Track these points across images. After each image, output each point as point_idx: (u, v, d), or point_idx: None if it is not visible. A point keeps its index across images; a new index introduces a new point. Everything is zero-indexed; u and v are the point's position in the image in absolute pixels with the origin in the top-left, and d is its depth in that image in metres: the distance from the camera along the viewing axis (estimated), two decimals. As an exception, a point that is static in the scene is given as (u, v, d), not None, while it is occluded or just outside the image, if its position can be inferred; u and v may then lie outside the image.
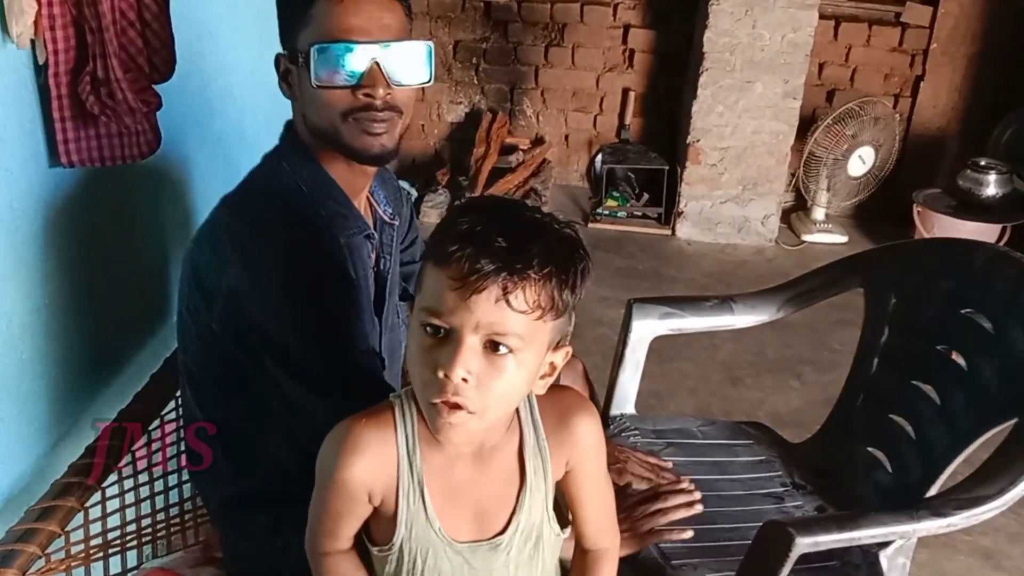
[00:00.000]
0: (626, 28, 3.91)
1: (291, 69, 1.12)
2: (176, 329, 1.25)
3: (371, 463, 0.87)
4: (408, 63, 1.09)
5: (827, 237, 3.71)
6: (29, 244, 1.30)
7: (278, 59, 1.16)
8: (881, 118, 3.56)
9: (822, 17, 3.49)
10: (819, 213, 3.77)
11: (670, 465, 1.35)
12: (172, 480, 1.44)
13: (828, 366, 2.71)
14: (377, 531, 0.92)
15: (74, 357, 1.42)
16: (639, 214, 3.85)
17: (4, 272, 1.24)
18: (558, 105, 4.08)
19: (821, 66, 3.81)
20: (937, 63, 3.73)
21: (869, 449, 1.50)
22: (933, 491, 1.35)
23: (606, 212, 3.82)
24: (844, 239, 3.71)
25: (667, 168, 3.77)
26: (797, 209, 3.92)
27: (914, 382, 1.47)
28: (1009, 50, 3.65)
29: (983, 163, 3.31)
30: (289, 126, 1.20)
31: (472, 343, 0.79)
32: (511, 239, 0.78)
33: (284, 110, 1.24)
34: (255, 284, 1.07)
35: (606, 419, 1.59)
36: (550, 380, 0.88)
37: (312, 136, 1.14)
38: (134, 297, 1.63)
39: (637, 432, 1.57)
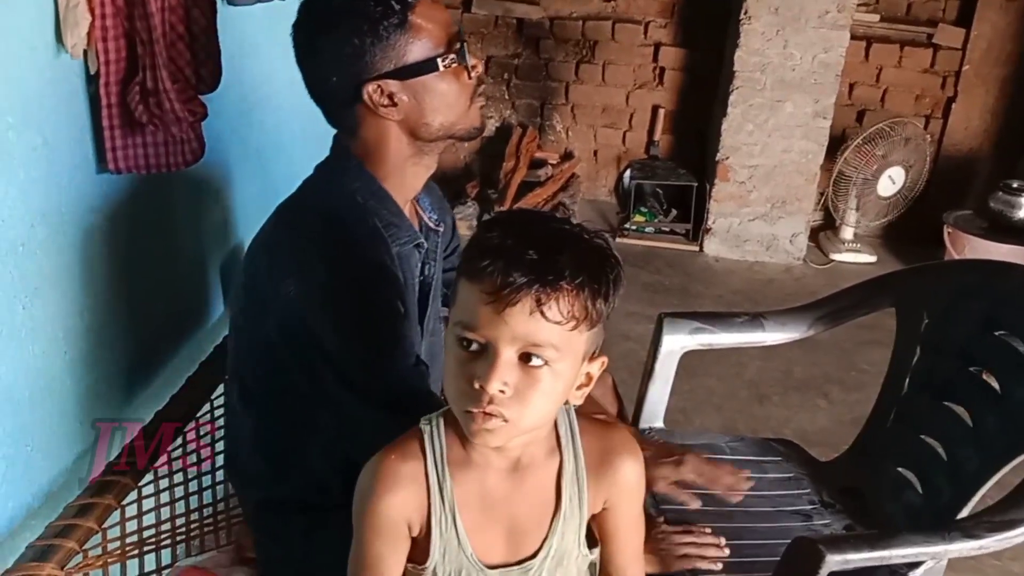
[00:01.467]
0: (657, 46, 3.93)
1: (399, 88, 1.14)
2: (229, 335, 1.27)
3: (404, 496, 0.88)
4: None
5: (855, 257, 3.70)
6: (76, 248, 1.33)
7: (367, 89, 1.14)
8: (912, 139, 3.54)
9: (853, 38, 3.49)
10: (848, 232, 3.75)
11: (730, 464, 1.33)
12: (207, 480, 1.46)
13: (855, 386, 2.70)
14: (412, 550, 0.92)
15: (114, 359, 1.45)
16: (667, 230, 3.85)
17: (52, 275, 1.28)
18: (588, 121, 4.10)
19: (852, 86, 3.81)
20: (969, 84, 3.72)
21: (900, 470, 1.49)
22: (964, 514, 1.34)
23: (634, 227, 3.83)
24: (873, 259, 3.69)
25: (695, 185, 3.77)
26: (826, 228, 3.91)
27: (946, 403, 1.47)
28: (1043, 72, 3.63)
29: (1015, 185, 3.28)
30: (339, 141, 1.22)
31: (508, 356, 0.80)
32: (542, 251, 0.79)
33: (321, 122, 1.26)
34: (311, 294, 1.09)
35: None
36: (587, 390, 0.89)
37: (426, 140, 1.19)
38: (173, 301, 1.67)
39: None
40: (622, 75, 3.99)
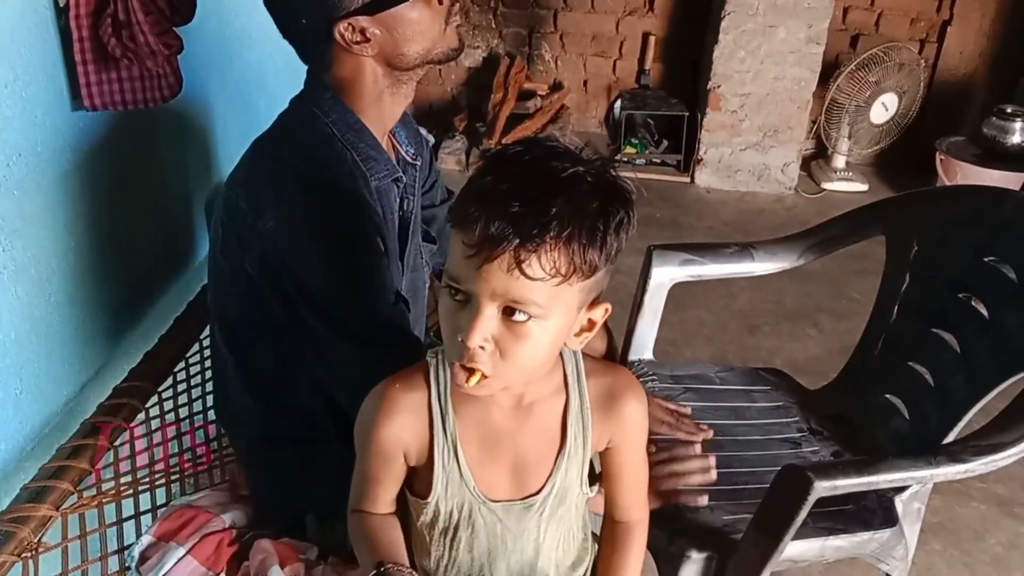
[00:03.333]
0: (647, -29, 3.83)
1: (373, 22, 1.11)
2: (208, 272, 1.26)
3: (405, 424, 0.88)
4: None
5: (847, 185, 3.68)
6: (56, 187, 1.31)
7: (339, 28, 1.11)
8: (906, 64, 3.49)
9: (849, -41, 3.40)
10: (840, 161, 3.73)
11: (689, 411, 1.37)
12: (198, 420, 1.47)
13: (846, 315, 2.71)
14: (416, 482, 0.93)
15: (101, 299, 1.44)
16: (658, 161, 3.82)
17: (33, 215, 1.26)
18: (577, 50, 4.02)
19: (846, 10, 3.73)
20: (965, 7, 3.64)
21: (887, 397, 1.50)
22: (950, 439, 1.35)
23: (624, 159, 3.79)
24: (864, 187, 3.67)
25: (687, 115, 3.72)
26: (817, 157, 3.88)
27: (934, 330, 1.47)
28: (1041, -7, 3.55)
29: (1009, 110, 3.25)
30: (314, 74, 1.19)
31: (489, 311, 0.77)
32: (529, 201, 0.74)
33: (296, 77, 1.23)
34: (290, 229, 1.08)
35: (624, 365, 1.60)
36: (589, 336, 0.86)
37: (403, 69, 1.16)
38: (158, 240, 1.65)
39: (655, 377, 1.58)
40: (612, 1, 3.89)
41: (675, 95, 3.90)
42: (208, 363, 1.51)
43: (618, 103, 3.99)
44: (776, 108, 3.56)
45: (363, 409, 0.90)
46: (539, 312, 0.77)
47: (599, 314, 0.85)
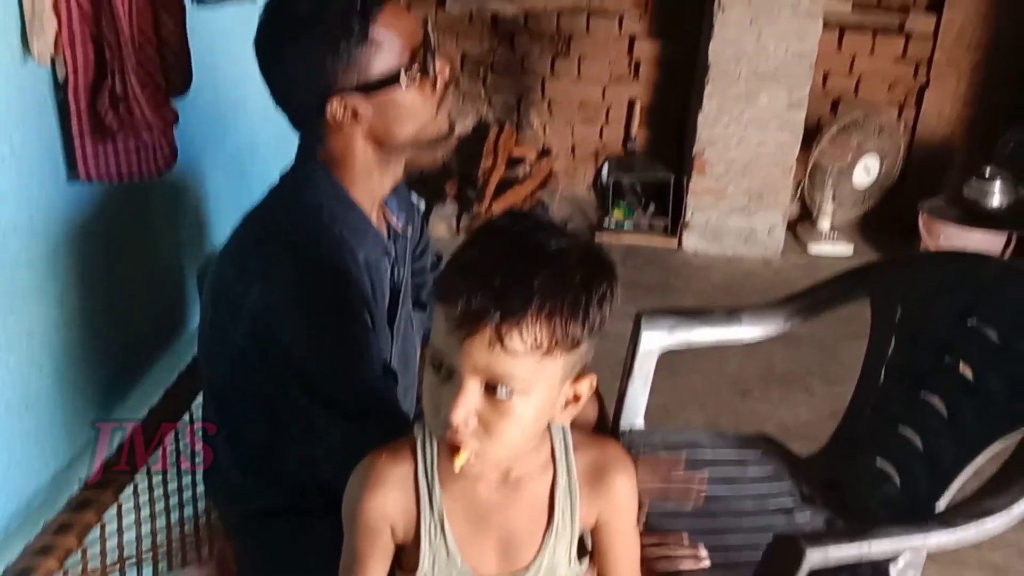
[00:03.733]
0: (632, 39, 3.94)
1: (365, 101, 1.13)
2: (199, 343, 1.26)
3: (391, 498, 0.87)
4: None
5: (833, 248, 3.72)
6: (49, 260, 1.31)
7: (332, 104, 1.12)
8: (886, 128, 3.57)
9: (826, 27, 3.51)
10: (825, 224, 3.78)
11: (683, 457, 1.34)
12: (187, 495, 1.45)
13: (836, 378, 2.72)
14: (404, 557, 0.91)
15: (92, 372, 1.44)
16: (646, 225, 3.86)
17: (25, 288, 1.26)
18: (564, 116, 4.10)
19: (825, 76, 3.83)
20: (941, 72, 3.75)
21: (878, 462, 1.50)
22: (942, 504, 1.35)
23: (613, 224, 3.84)
24: (850, 249, 3.72)
25: (673, 179, 3.79)
26: (803, 220, 3.93)
27: (922, 394, 1.48)
28: (1014, 60, 3.67)
29: (988, 172, 3.32)
30: (305, 146, 1.21)
31: (472, 386, 0.76)
32: (511, 275, 0.74)
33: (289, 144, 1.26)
34: (279, 303, 1.08)
35: (615, 433, 1.60)
36: (575, 409, 0.85)
37: (392, 149, 1.18)
38: (150, 311, 1.65)
39: (647, 445, 1.57)
40: (597, 69, 3.99)
41: (661, 160, 3.97)
42: (199, 435, 1.50)
43: (605, 168, 4.06)
44: (760, 172, 3.63)
45: (350, 483, 0.89)
46: (521, 387, 0.77)
47: (584, 387, 0.84)
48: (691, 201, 3.69)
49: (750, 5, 3.39)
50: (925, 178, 3.79)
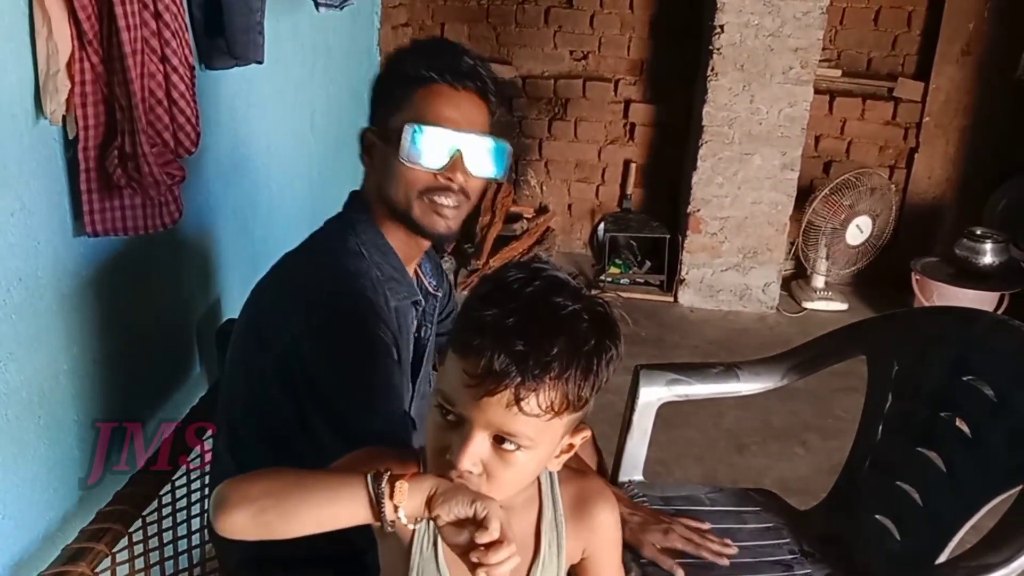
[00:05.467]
0: (627, 103, 4.03)
1: (377, 144, 1.21)
2: (222, 376, 1.28)
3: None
4: (487, 156, 1.19)
5: (827, 304, 3.75)
6: (53, 311, 1.33)
7: (364, 134, 1.24)
8: (877, 188, 3.63)
9: (817, 92, 3.60)
10: (819, 281, 3.82)
11: (708, 526, 1.40)
12: (183, 545, 1.44)
13: (833, 433, 2.72)
14: (392, 566, 0.91)
15: (89, 423, 1.44)
16: (641, 281, 3.90)
17: (28, 338, 1.27)
18: (561, 176, 4.17)
19: (817, 139, 3.91)
20: (930, 135, 3.83)
21: (877, 517, 1.50)
22: (942, 558, 1.35)
23: (609, 279, 3.87)
24: (844, 306, 3.74)
25: (668, 236, 3.83)
26: (797, 277, 3.97)
27: (920, 449, 1.48)
28: (1000, 122, 3.75)
29: (979, 232, 3.36)
30: (355, 195, 1.27)
31: (481, 438, 0.80)
32: (532, 339, 0.76)
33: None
34: (314, 333, 1.10)
35: (615, 486, 1.60)
36: (567, 457, 0.89)
37: (382, 207, 1.22)
38: (151, 363, 1.66)
39: (645, 499, 1.56)
40: (594, 131, 4.07)
41: (656, 218, 4.03)
42: (195, 485, 1.49)
43: (602, 226, 4.11)
44: (755, 231, 3.67)
45: (366, 453, 0.90)
46: (529, 444, 0.80)
47: (579, 439, 0.88)
48: (686, 258, 3.73)
49: (743, 71, 3.48)
50: (917, 237, 3.84)
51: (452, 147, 1.15)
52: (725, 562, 1.31)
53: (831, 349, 1.68)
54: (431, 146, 1.14)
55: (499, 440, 0.80)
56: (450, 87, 1.15)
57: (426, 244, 1.27)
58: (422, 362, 1.29)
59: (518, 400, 0.77)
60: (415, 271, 1.30)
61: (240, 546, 1.23)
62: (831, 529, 1.54)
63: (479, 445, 0.80)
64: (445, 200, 1.18)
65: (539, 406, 0.78)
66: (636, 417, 1.60)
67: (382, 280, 1.18)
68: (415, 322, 1.26)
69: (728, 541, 1.36)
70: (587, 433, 0.88)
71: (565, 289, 0.81)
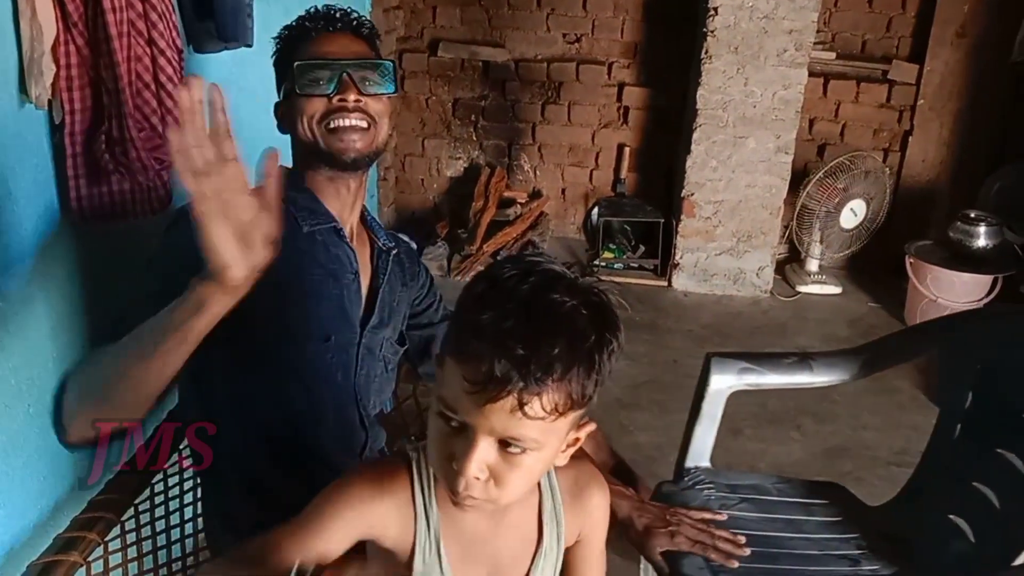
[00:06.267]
0: (620, 86, 4.00)
1: (282, 106, 1.32)
2: None
3: (393, 507, 0.87)
4: (374, 74, 1.29)
5: (821, 288, 3.75)
6: (40, 299, 1.31)
7: (277, 106, 1.35)
8: (871, 172, 3.63)
9: (811, 75, 3.59)
10: (813, 265, 3.82)
11: (724, 517, 1.38)
12: (175, 534, 1.43)
13: (828, 417, 2.72)
14: (391, 570, 0.91)
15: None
16: (635, 266, 3.89)
17: (16, 326, 1.26)
18: (555, 160, 4.15)
19: (812, 121, 3.90)
20: (925, 118, 3.82)
21: (950, 517, 1.47)
22: (1020, 561, 1.32)
23: (603, 264, 3.86)
24: (838, 290, 3.75)
25: (662, 221, 3.82)
26: (791, 261, 3.97)
27: (1000, 450, 1.45)
28: (995, 105, 3.74)
29: (973, 215, 3.36)
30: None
31: (486, 442, 0.79)
32: (532, 341, 0.75)
33: (286, 162, 1.29)
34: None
35: (680, 471, 1.59)
36: (572, 450, 0.88)
37: (299, 154, 1.32)
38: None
39: (712, 486, 1.55)
40: (587, 115, 4.05)
41: (650, 202, 4.02)
42: (188, 473, 1.49)
43: (595, 210, 4.10)
44: (749, 214, 3.67)
45: (346, 483, 0.87)
46: (535, 445, 0.80)
47: (584, 433, 0.87)
48: (680, 242, 3.72)
49: (737, 53, 3.46)
50: (911, 220, 3.84)
51: (338, 71, 1.25)
52: (734, 564, 1.27)
53: (907, 345, 1.67)
54: (319, 75, 1.25)
55: (504, 444, 0.79)
56: (326, 33, 1.30)
57: (353, 184, 1.32)
58: (374, 311, 1.34)
59: (522, 405, 0.76)
60: (358, 227, 1.38)
61: (233, 537, 1.23)
62: (899, 526, 1.52)
63: (485, 451, 0.79)
64: (344, 121, 1.25)
65: (543, 409, 0.77)
66: (705, 405, 1.59)
67: (294, 208, 1.25)
68: (355, 262, 1.32)
69: (741, 539, 1.31)
70: (592, 427, 0.87)
71: (561, 283, 0.80)
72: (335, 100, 1.25)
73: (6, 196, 1.23)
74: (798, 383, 1.64)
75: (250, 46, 1.72)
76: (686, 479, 1.57)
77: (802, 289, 3.76)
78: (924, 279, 3.38)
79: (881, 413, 2.79)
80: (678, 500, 1.48)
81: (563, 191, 4.20)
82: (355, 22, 1.33)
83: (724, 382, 1.59)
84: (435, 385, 0.84)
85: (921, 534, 1.50)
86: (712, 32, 3.44)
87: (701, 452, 1.61)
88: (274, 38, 1.34)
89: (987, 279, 3.32)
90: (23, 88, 1.24)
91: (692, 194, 3.66)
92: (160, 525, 1.42)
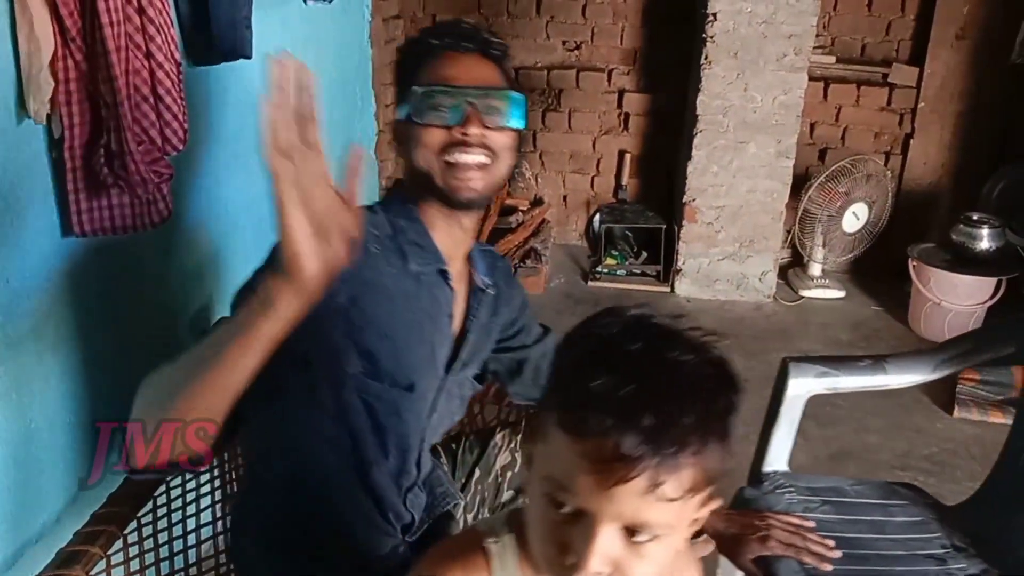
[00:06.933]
0: (621, 93, 4.01)
1: (400, 127, 1.21)
2: None
3: None
4: (502, 107, 1.16)
5: (824, 292, 3.74)
6: (41, 312, 1.32)
7: (393, 124, 1.25)
8: (873, 175, 3.62)
9: (812, 79, 3.58)
10: (816, 269, 3.81)
11: (812, 524, 1.36)
12: (178, 545, 1.43)
13: (830, 421, 2.71)
14: None
15: (81, 423, 1.43)
16: (638, 272, 3.89)
17: (17, 340, 1.26)
18: (556, 167, 4.15)
19: (812, 126, 3.90)
20: (926, 121, 3.82)
21: (1029, 516, 1.47)
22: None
23: (605, 270, 3.86)
24: (842, 294, 3.74)
25: (664, 227, 3.82)
26: (794, 265, 3.96)
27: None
28: (995, 107, 3.74)
29: (975, 217, 3.36)
30: (396, 183, 1.26)
31: (610, 531, 0.68)
32: (662, 411, 0.65)
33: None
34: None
35: (758, 475, 1.60)
36: (694, 528, 0.77)
37: (413, 183, 1.20)
38: (142, 363, 1.64)
39: (792, 489, 1.57)
40: (588, 122, 4.06)
41: (652, 208, 4.01)
42: (190, 485, 1.48)
43: (597, 217, 4.10)
44: (751, 219, 3.66)
45: None
46: (667, 531, 0.69)
47: (709, 510, 0.75)
48: (682, 248, 3.72)
49: (736, 58, 3.46)
50: (914, 223, 3.84)
51: (462, 100, 1.14)
52: (828, 567, 1.26)
53: (984, 344, 1.66)
54: (442, 103, 1.14)
55: (630, 532, 0.68)
56: (455, 52, 1.17)
57: (467, 223, 1.23)
58: (459, 355, 1.26)
59: (656, 484, 0.65)
60: (464, 264, 1.28)
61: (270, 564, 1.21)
62: (980, 525, 1.51)
63: (609, 541, 0.68)
64: (465, 157, 1.14)
65: (681, 488, 0.67)
66: (784, 409, 1.60)
67: (404, 241, 1.18)
68: (449, 303, 1.23)
69: (831, 543, 1.29)
70: (719, 502, 0.75)
71: (677, 338, 0.71)
72: (456, 132, 1.14)
73: (5, 210, 1.24)
74: (874, 385, 1.64)
75: (248, 57, 1.73)
76: (766, 483, 1.59)
77: (805, 293, 3.75)
78: (927, 282, 3.38)
79: (884, 416, 2.78)
80: (761, 505, 1.50)
81: (565, 198, 4.20)
82: (486, 43, 1.19)
83: (803, 386, 1.60)
84: (536, 464, 0.73)
85: (1002, 533, 1.48)
86: (711, 38, 3.44)
87: (779, 456, 1.63)
88: (398, 48, 1.26)
89: (991, 281, 3.31)
90: (22, 103, 1.24)
91: (694, 199, 3.65)
92: (163, 537, 1.42)
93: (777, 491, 1.56)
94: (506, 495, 1.53)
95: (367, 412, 1.17)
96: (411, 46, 1.21)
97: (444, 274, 1.22)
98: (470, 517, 1.39)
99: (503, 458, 1.50)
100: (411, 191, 1.21)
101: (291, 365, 1.04)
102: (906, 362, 1.65)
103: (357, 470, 1.19)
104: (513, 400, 1.54)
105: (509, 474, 1.52)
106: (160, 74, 1.38)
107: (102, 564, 1.25)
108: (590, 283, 3.78)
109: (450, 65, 1.16)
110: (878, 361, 1.64)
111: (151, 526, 1.41)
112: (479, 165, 1.15)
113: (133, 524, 1.36)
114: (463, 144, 1.14)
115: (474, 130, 1.13)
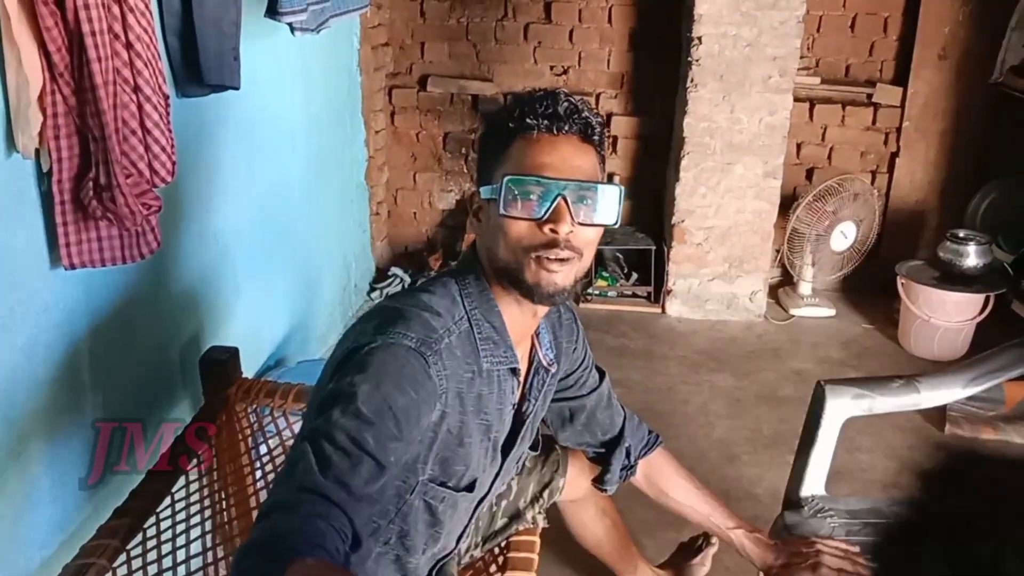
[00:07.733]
0: (609, 116, 4.04)
1: (482, 205, 1.14)
2: None
3: None
4: (595, 203, 1.09)
5: (814, 311, 3.76)
6: (31, 346, 1.32)
7: (472, 197, 1.17)
8: (860, 194, 3.65)
9: (797, 100, 3.62)
10: (805, 288, 3.82)
11: (857, 549, 1.37)
12: (180, 555, 1.42)
13: (823, 440, 2.71)
14: None
15: (71, 457, 1.43)
16: (629, 293, 3.90)
17: (7, 375, 1.26)
18: (545, 190, 4.17)
19: (799, 146, 3.93)
20: (911, 140, 3.86)
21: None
22: None
23: (596, 292, 3.87)
24: (832, 312, 3.75)
25: (654, 248, 3.84)
26: (784, 284, 3.98)
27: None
28: (978, 125, 3.78)
29: (962, 234, 3.38)
30: (471, 251, 1.19)
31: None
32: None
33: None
34: (352, 350, 1.02)
35: (796, 500, 1.61)
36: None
37: (491, 268, 1.14)
38: (131, 396, 1.64)
39: (832, 512, 1.57)
40: (577, 144, 4.08)
41: (642, 230, 4.03)
42: (194, 497, 1.48)
43: (588, 239, 4.11)
44: (740, 240, 3.68)
45: None
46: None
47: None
48: (673, 269, 3.73)
49: (722, 81, 3.50)
50: (901, 241, 3.86)
51: (554, 194, 1.06)
52: None
53: (1016, 360, 1.66)
54: (531, 191, 1.06)
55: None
56: (548, 133, 1.08)
57: (541, 311, 1.18)
58: (518, 438, 1.24)
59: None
60: (530, 341, 1.23)
61: None
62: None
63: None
64: (552, 256, 1.07)
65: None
66: (821, 432, 1.60)
67: (479, 338, 1.12)
68: (515, 393, 1.19)
69: (877, 566, 1.32)
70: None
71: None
72: (545, 228, 1.06)
73: (-6, 245, 1.24)
74: (908, 405, 1.64)
75: (236, 88, 1.74)
76: (806, 508, 1.59)
77: (796, 312, 3.77)
78: (916, 299, 3.39)
79: (875, 435, 2.78)
80: (805, 530, 1.50)
81: (555, 221, 4.21)
82: (583, 122, 1.10)
83: (840, 409, 1.61)
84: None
85: None
86: (697, 61, 3.48)
87: (817, 480, 1.63)
88: (485, 116, 1.21)
89: (979, 298, 3.32)
90: (10, 137, 1.25)
91: (682, 221, 3.67)
92: (167, 548, 1.41)
93: (819, 515, 1.57)
94: (500, 522, 1.52)
95: (427, 511, 1.16)
96: (502, 119, 1.11)
97: (514, 371, 1.18)
98: (463, 546, 1.38)
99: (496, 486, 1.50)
100: (488, 273, 1.15)
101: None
102: (938, 381, 1.65)
103: (396, 561, 1.19)
104: (559, 443, 1.52)
105: (504, 502, 1.52)
106: (148, 107, 1.39)
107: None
108: (581, 304, 3.79)
109: (545, 152, 1.08)
110: (910, 381, 1.64)
111: (140, 559, 1.41)
112: (564, 260, 1.08)
113: (123, 557, 1.36)
114: (552, 245, 1.07)
115: (564, 228, 1.06)
